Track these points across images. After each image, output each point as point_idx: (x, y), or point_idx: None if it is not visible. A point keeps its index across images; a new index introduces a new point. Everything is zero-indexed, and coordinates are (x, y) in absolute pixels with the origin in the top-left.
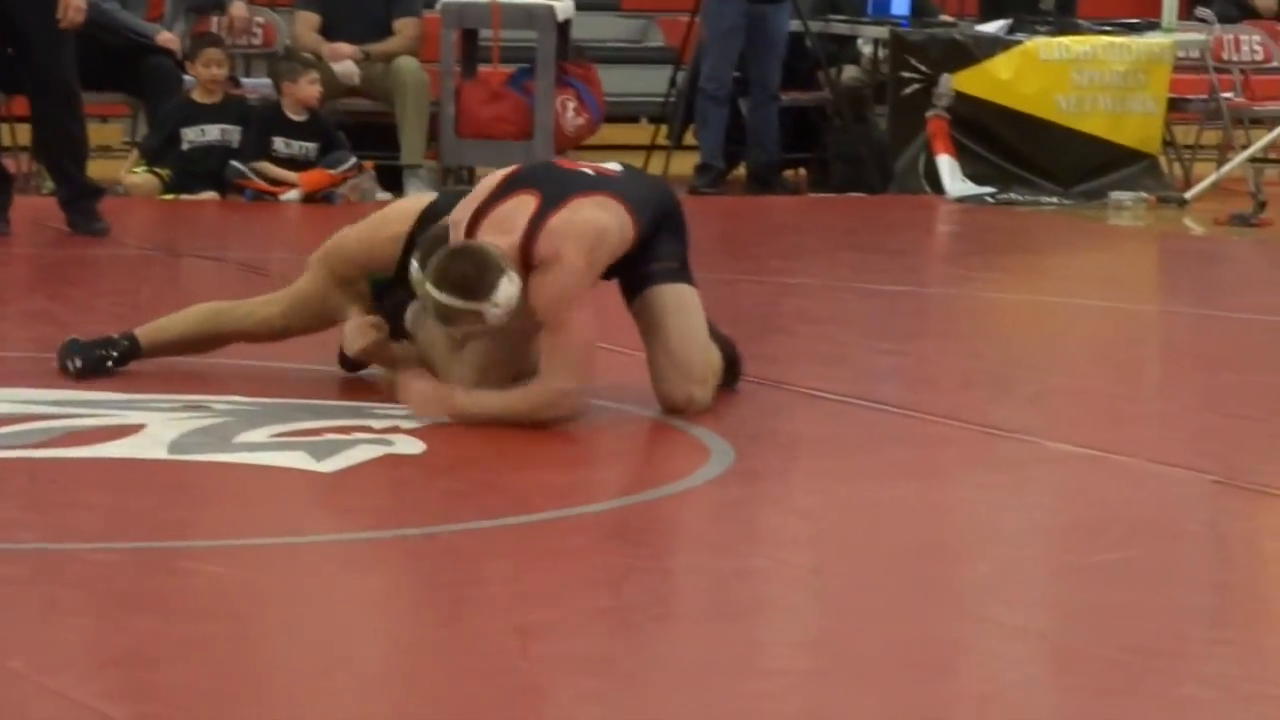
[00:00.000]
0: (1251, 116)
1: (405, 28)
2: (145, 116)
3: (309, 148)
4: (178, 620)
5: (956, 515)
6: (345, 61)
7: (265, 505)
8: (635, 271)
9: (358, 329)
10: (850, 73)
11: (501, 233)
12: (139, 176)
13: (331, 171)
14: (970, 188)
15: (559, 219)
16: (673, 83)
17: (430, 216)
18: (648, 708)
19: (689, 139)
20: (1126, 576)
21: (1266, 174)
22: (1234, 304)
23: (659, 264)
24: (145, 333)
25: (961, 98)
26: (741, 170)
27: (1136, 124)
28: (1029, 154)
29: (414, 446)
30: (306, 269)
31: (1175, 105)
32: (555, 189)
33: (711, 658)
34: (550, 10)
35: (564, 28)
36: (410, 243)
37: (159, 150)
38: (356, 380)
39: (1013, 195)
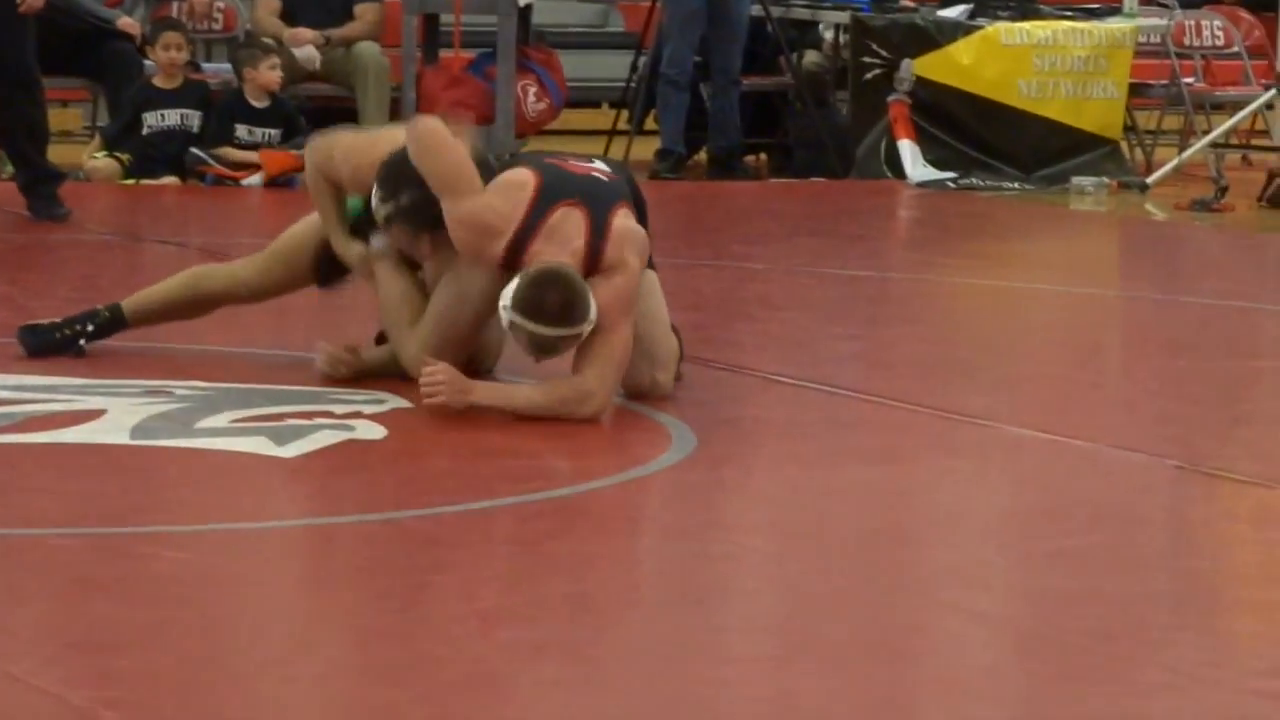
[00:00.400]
0: (1213, 101)
1: (366, 13)
2: (106, 101)
3: (272, 134)
4: (138, 606)
5: (918, 500)
6: (306, 46)
7: (226, 490)
8: None
9: (329, 361)
10: (811, 58)
11: (559, 245)
12: (99, 161)
13: (295, 153)
14: (931, 173)
15: (619, 227)
16: (634, 68)
17: None
18: (610, 693)
19: (650, 124)
20: (1088, 561)
21: (1227, 159)
22: (1195, 289)
23: None
24: (130, 302)
25: (923, 83)
26: (703, 155)
27: (1098, 109)
28: (990, 139)
29: (375, 432)
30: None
31: (1136, 90)
32: (592, 198)
33: (674, 643)
34: None
35: (525, 13)
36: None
37: (119, 135)
38: (317, 369)
39: (974, 180)
